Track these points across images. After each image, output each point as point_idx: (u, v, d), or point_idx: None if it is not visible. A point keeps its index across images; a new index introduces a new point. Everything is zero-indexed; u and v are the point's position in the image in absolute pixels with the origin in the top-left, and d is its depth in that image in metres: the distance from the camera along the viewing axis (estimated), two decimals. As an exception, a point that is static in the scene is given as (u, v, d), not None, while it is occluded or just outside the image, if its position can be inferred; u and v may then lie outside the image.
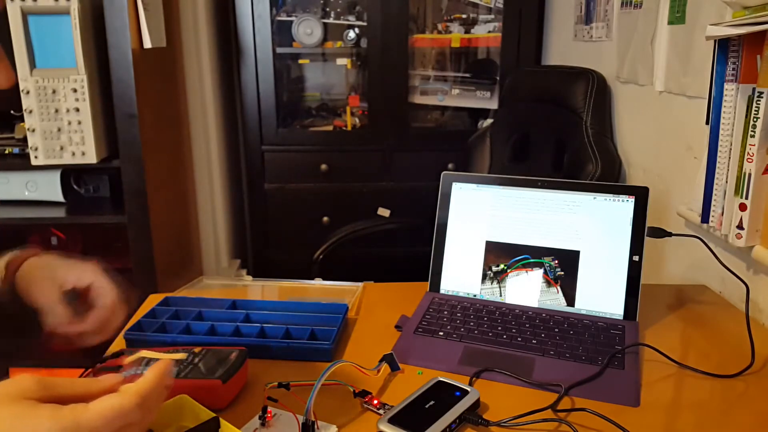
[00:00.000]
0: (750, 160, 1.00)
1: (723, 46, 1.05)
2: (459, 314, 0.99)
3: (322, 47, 2.38)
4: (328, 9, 2.43)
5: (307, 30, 2.34)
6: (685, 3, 1.26)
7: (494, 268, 1.04)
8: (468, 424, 0.72)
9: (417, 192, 2.30)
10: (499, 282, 1.03)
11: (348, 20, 2.39)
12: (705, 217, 1.13)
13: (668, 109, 1.37)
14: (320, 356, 0.87)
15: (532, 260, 1.02)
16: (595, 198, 1.01)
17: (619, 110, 1.64)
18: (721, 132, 1.07)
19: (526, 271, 1.02)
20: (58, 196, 1.80)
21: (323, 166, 2.36)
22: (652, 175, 1.45)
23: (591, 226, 1.00)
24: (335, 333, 0.90)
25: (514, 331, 0.94)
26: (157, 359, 0.59)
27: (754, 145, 0.99)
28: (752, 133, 0.99)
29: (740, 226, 1.03)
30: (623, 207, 0.99)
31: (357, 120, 2.45)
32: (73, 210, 1.80)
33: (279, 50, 2.33)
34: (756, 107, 0.98)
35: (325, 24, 2.37)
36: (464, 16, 2.37)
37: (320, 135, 2.41)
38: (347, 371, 0.79)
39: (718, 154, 1.08)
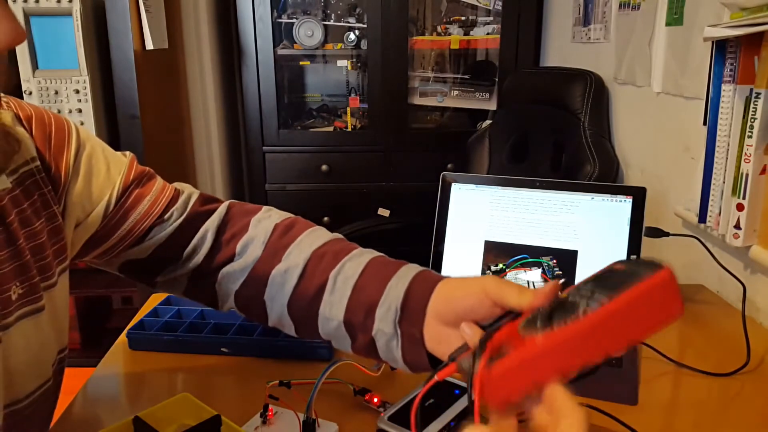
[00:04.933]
0: (747, 161, 1.01)
1: (720, 47, 1.05)
2: (458, 313, 1.00)
3: (322, 49, 2.39)
4: (328, 11, 2.44)
5: (307, 32, 2.35)
6: (682, 4, 1.27)
7: (493, 268, 1.04)
8: (467, 422, 0.73)
9: (417, 192, 2.31)
10: (498, 282, 1.04)
11: (348, 22, 2.40)
12: (702, 217, 1.13)
13: (666, 110, 1.37)
14: (321, 355, 0.88)
15: (530, 260, 1.03)
16: (593, 198, 1.01)
17: (616, 111, 1.65)
18: (718, 133, 1.08)
19: (525, 271, 1.03)
20: (60, 196, 1.80)
21: (324, 167, 2.37)
22: (649, 176, 1.46)
23: (589, 226, 1.01)
24: (336, 332, 0.90)
25: (512, 330, 0.94)
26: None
27: (751, 146, 0.99)
28: (749, 134, 0.99)
29: (737, 226, 1.04)
30: (621, 207, 1.00)
31: (357, 121, 2.45)
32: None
33: (280, 52, 2.34)
34: (753, 108, 0.98)
35: (325, 26, 2.38)
36: (463, 18, 2.38)
37: (321, 136, 2.42)
38: (348, 370, 0.79)
39: (716, 154, 1.09)
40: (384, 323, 0.60)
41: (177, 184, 0.75)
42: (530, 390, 0.44)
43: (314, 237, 0.69)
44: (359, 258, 0.66)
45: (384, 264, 0.65)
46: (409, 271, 0.63)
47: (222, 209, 0.72)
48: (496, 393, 0.45)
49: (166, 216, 0.69)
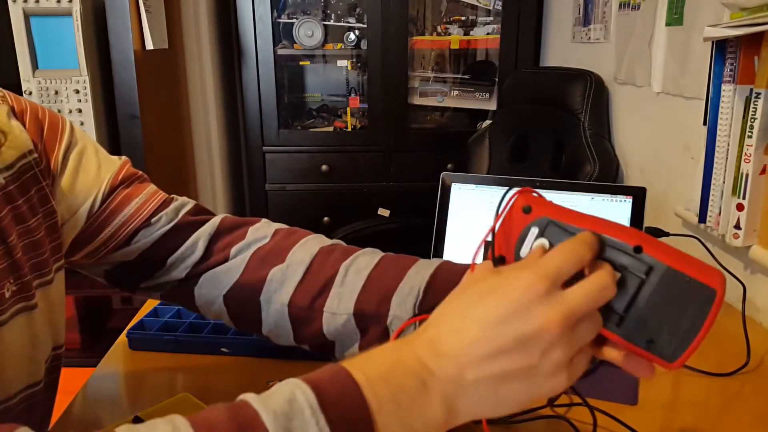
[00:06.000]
0: (747, 161, 1.01)
1: (720, 47, 1.05)
2: (458, 313, 1.00)
3: (322, 49, 2.39)
4: (328, 11, 2.44)
5: (307, 32, 2.35)
6: (682, 4, 1.27)
7: (493, 268, 1.04)
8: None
9: (417, 192, 2.31)
10: (498, 281, 1.03)
11: (348, 22, 2.40)
12: (702, 217, 1.13)
13: (666, 110, 1.38)
14: (321, 355, 0.87)
15: (530, 260, 1.02)
16: (593, 198, 1.01)
17: (616, 111, 1.65)
18: (718, 133, 1.08)
19: (525, 271, 1.02)
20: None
21: (324, 167, 2.37)
22: (649, 176, 1.46)
23: (589, 226, 1.01)
24: (336, 332, 0.90)
25: (512, 330, 0.94)
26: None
27: (751, 146, 0.99)
28: (749, 134, 1.00)
29: (737, 226, 1.04)
30: (621, 207, 1.00)
31: (357, 121, 2.46)
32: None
33: (280, 52, 2.34)
34: (753, 108, 0.98)
35: (325, 26, 2.38)
36: (463, 18, 2.38)
37: (321, 136, 2.42)
38: (347, 369, 0.79)
39: (716, 154, 1.09)
40: (401, 309, 0.59)
41: (175, 197, 0.74)
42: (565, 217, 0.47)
43: (320, 239, 0.69)
44: (372, 254, 0.65)
45: (400, 257, 0.64)
46: (432, 260, 0.62)
47: (215, 220, 0.71)
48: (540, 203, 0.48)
49: (153, 219, 0.68)
